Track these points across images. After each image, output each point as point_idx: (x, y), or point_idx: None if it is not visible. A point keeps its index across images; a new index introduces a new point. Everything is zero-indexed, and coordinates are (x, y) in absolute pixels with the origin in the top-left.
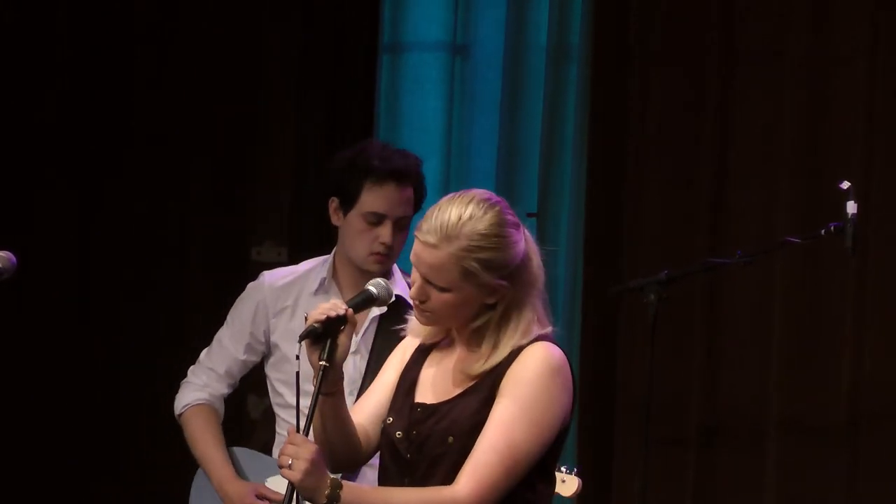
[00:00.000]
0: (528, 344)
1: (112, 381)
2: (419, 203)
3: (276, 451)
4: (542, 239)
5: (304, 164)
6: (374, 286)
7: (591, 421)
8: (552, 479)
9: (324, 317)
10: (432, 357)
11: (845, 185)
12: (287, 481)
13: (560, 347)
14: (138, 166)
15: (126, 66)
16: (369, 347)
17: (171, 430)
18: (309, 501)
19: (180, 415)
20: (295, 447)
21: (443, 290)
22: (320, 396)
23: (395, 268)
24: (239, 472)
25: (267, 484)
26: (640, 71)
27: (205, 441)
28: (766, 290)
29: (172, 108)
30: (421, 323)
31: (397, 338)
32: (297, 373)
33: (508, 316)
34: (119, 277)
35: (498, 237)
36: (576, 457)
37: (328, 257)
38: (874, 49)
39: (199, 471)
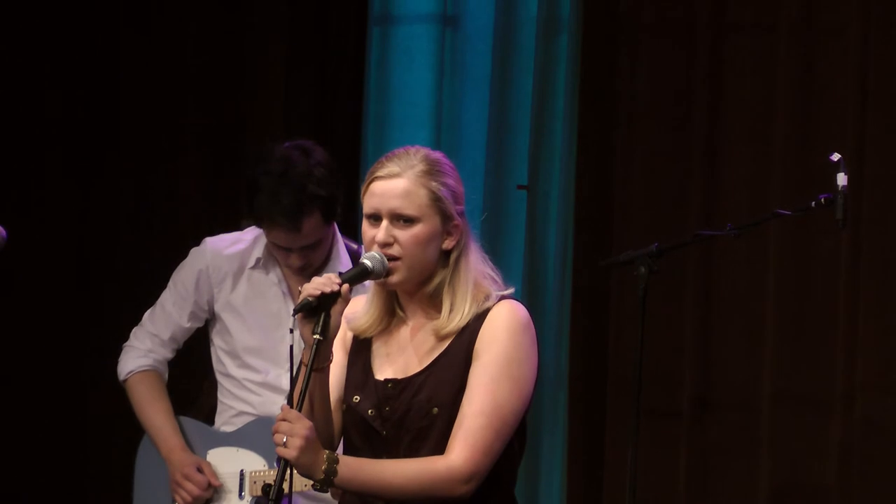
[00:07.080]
0: (493, 305)
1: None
2: (331, 217)
3: (218, 420)
4: (532, 211)
5: (294, 139)
6: (369, 259)
7: (583, 393)
8: (525, 435)
9: (318, 291)
10: (377, 340)
11: (836, 157)
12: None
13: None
14: (128, 146)
15: (113, 43)
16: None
17: None
18: (305, 478)
19: (125, 380)
20: (289, 424)
21: (412, 221)
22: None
23: (339, 238)
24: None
25: (208, 456)
26: (631, 43)
27: (154, 409)
28: (757, 263)
29: (160, 81)
30: (390, 283)
31: None
32: (291, 346)
33: (458, 273)
34: (113, 261)
35: (451, 166)
36: (567, 428)
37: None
38: (867, 20)
39: (145, 437)
